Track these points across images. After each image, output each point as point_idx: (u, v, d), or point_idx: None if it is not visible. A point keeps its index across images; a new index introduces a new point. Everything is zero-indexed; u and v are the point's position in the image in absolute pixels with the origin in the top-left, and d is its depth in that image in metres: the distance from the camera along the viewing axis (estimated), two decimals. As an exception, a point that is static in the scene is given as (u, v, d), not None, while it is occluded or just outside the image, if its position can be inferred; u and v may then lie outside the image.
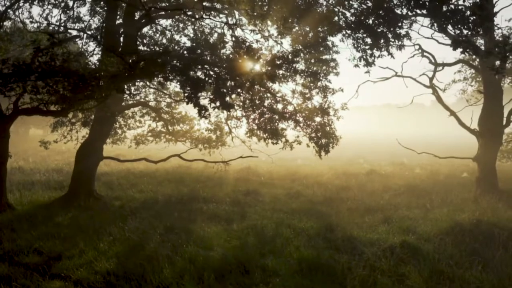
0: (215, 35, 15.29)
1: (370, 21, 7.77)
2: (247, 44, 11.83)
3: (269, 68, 11.33)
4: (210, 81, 6.32)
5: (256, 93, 12.23)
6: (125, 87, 7.20)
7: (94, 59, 13.58)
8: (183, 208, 10.63)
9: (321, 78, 11.66)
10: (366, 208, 10.36)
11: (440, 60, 14.08)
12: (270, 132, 12.42)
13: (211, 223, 9.21)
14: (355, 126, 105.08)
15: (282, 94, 12.58)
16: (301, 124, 12.02)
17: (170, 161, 16.93)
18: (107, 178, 15.68)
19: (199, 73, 6.68)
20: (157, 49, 14.28)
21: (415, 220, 8.51)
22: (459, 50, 6.46)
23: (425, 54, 14.05)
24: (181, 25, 16.43)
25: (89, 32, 11.86)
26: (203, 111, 5.97)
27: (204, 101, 8.65)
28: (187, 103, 5.96)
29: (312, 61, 13.05)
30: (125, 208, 10.52)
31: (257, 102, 12.07)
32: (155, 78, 7.28)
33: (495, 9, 12.43)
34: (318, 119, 11.87)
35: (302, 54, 12.01)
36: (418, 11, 6.59)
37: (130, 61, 5.73)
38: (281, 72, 11.82)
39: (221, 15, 15.18)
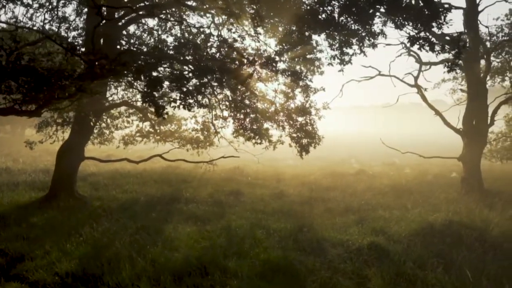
0: (203, 35, 15.25)
1: (343, 19, 7.65)
2: (229, 43, 11.85)
3: (253, 68, 11.31)
4: (170, 80, 6.27)
5: (241, 93, 12.22)
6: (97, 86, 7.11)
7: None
8: (162, 209, 10.58)
9: (302, 77, 11.58)
10: (345, 208, 10.26)
11: (428, 59, 13.99)
12: (254, 131, 12.40)
13: (187, 224, 9.15)
14: (353, 127, 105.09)
15: (264, 93, 12.55)
16: (284, 124, 11.96)
17: (159, 161, 16.93)
18: (94, 178, 15.65)
19: (163, 72, 6.63)
20: (144, 48, 14.20)
21: (389, 221, 8.40)
22: (416, 46, 6.41)
23: (411, 53, 13.97)
24: (168, 24, 16.38)
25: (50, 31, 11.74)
26: (160, 110, 5.90)
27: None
28: (143, 103, 5.91)
29: (296, 60, 12.97)
30: (104, 208, 10.44)
31: (240, 101, 12.05)
32: (124, 77, 7.22)
33: (480, 8, 12.36)
34: (300, 118, 11.79)
35: (288, 53, 11.95)
36: (378, 8, 6.49)
37: (88, 59, 5.69)
38: (263, 71, 11.81)
39: (207, 15, 15.14)
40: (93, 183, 14.61)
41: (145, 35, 16.51)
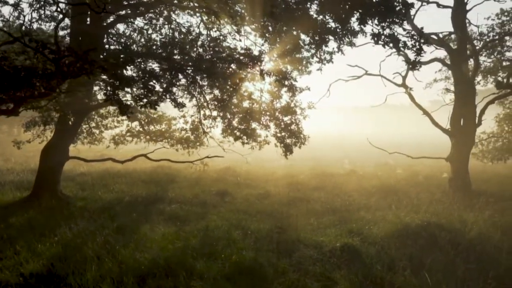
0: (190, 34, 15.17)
1: (321, 17, 7.55)
2: (215, 42, 11.78)
3: (237, 67, 11.24)
4: (138, 78, 6.19)
5: (227, 92, 12.15)
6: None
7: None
8: (145, 209, 10.50)
9: (288, 77, 11.49)
10: (328, 209, 10.15)
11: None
12: (241, 131, 12.35)
13: (166, 224, 9.07)
14: (354, 127, 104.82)
15: (249, 93, 12.46)
16: (269, 123, 11.87)
17: (150, 161, 16.86)
18: (82, 178, 15.61)
19: (131, 71, 6.57)
20: (134, 48, 14.11)
21: (369, 222, 8.27)
22: (380, 43, 6.27)
23: (401, 52, 13.83)
24: (158, 24, 16.29)
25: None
26: (125, 109, 5.82)
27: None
28: (106, 101, 5.83)
29: (283, 59, 12.88)
30: (86, 208, 10.39)
31: (224, 100, 12.00)
32: (97, 76, 7.13)
33: (468, 6, 12.22)
34: (285, 118, 11.70)
35: (276, 52, 11.87)
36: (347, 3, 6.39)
37: (53, 58, 5.62)
38: (248, 70, 11.72)
39: (197, 14, 15.07)
40: (80, 183, 14.56)
41: (135, 34, 16.45)
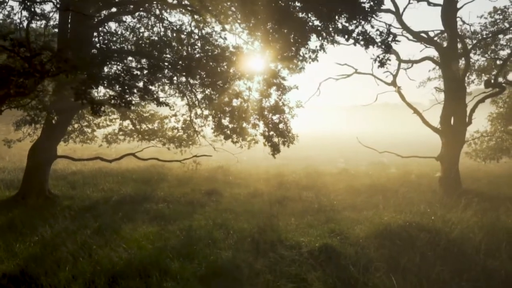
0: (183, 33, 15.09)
1: (304, 14, 7.44)
2: (202, 40, 11.73)
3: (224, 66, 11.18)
4: (112, 77, 6.13)
5: (216, 91, 12.10)
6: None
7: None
8: (131, 208, 10.46)
9: (276, 75, 11.43)
10: (314, 208, 10.08)
11: (409, 57, 13.77)
12: (230, 130, 12.31)
13: (150, 224, 9.02)
14: (354, 126, 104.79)
15: (239, 91, 12.39)
16: (257, 122, 11.81)
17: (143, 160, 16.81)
18: (74, 177, 15.58)
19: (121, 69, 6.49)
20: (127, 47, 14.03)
21: (353, 222, 8.20)
22: (351, 41, 6.16)
23: (391, 51, 13.71)
24: (150, 23, 16.22)
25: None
26: (96, 107, 5.76)
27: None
28: (75, 100, 5.77)
29: (273, 57, 12.79)
30: (72, 207, 10.35)
31: (216, 99, 11.97)
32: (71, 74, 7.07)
33: (459, 5, 12.10)
34: (274, 117, 11.62)
35: (267, 51, 11.80)
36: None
37: (24, 56, 5.56)
38: (237, 69, 11.66)
39: (189, 13, 14.98)
40: (71, 182, 14.53)
41: (127, 33, 16.35)
